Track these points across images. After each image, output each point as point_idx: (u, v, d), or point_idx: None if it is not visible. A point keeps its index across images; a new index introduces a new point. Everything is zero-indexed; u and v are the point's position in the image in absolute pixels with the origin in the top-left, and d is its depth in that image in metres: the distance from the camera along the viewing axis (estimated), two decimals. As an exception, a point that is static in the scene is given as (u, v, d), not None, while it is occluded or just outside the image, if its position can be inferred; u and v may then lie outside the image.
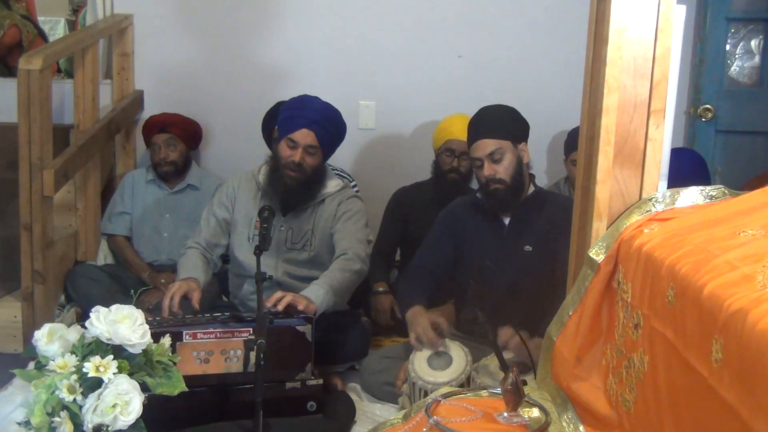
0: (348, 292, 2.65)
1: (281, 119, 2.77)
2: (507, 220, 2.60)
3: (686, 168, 2.91)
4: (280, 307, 2.35)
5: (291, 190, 2.71)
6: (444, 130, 3.35)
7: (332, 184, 2.85)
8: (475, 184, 3.43)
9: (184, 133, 3.54)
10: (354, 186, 3.58)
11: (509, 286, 2.51)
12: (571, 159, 3.24)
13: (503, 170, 2.51)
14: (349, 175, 3.61)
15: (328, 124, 2.74)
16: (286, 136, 2.72)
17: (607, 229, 1.77)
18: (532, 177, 2.66)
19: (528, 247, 2.55)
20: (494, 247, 2.56)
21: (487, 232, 2.61)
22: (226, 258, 2.97)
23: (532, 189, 2.62)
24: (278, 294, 2.39)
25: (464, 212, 2.69)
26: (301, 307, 2.37)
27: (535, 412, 1.72)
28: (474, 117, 2.61)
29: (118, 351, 1.69)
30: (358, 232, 2.75)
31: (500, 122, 2.54)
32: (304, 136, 2.69)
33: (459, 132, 3.27)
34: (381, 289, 3.24)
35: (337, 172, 3.55)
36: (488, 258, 2.41)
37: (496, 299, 2.43)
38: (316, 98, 2.81)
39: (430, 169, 3.37)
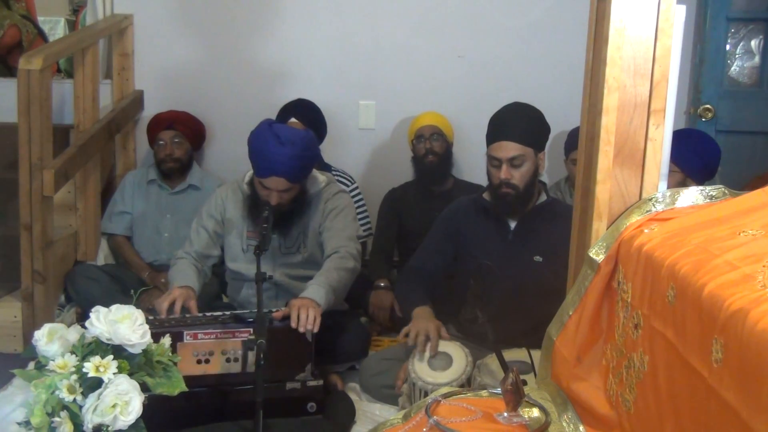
0: (344, 290, 2.64)
1: (250, 156, 2.64)
2: (513, 225, 2.58)
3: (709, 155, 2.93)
4: (300, 327, 2.35)
5: (277, 214, 2.65)
6: (412, 126, 3.51)
7: (316, 183, 2.79)
8: (457, 171, 3.47)
9: (190, 132, 3.55)
10: (356, 187, 3.58)
11: (516, 294, 2.48)
12: (572, 159, 3.25)
13: (519, 177, 2.47)
14: (350, 177, 3.61)
15: (298, 167, 2.61)
16: (257, 178, 2.64)
17: (607, 229, 1.77)
18: (543, 185, 2.63)
19: (538, 258, 2.52)
20: (498, 249, 2.54)
21: (491, 234, 2.59)
22: (218, 265, 2.94)
23: (543, 198, 2.59)
24: (290, 312, 2.38)
25: (467, 213, 2.67)
26: (311, 313, 2.35)
27: (535, 412, 1.72)
28: (501, 114, 2.55)
29: (118, 351, 1.69)
30: (346, 229, 2.72)
31: (529, 128, 2.49)
32: (275, 183, 2.59)
33: (425, 120, 3.47)
34: (382, 284, 3.25)
35: (338, 174, 3.55)
36: (491, 260, 2.39)
37: (497, 301, 2.42)
38: (280, 143, 2.56)
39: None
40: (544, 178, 3.73)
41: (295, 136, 2.63)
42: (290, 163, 2.57)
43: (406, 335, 2.43)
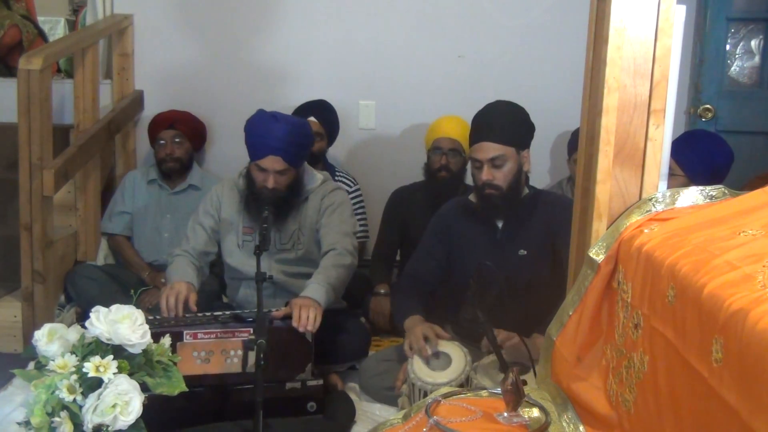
0: (343, 287, 2.64)
1: (246, 142, 2.69)
2: (500, 224, 2.57)
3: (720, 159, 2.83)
4: (300, 327, 2.37)
5: (274, 206, 2.65)
6: (432, 131, 3.37)
7: (313, 180, 2.81)
8: (469, 179, 3.45)
9: (190, 131, 3.56)
10: (357, 189, 3.58)
11: (509, 291, 2.46)
12: (574, 158, 3.24)
13: (502, 177, 2.45)
14: (353, 179, 3.61)
15: (294, 145, 2.65)
16: (254, 162, 2.67)
17: (607, 229, 1.77)
18: (526, 179, 2.62)
19: (522, 251, 2.52)
20: (488, 250, 2.52)
21: (480, 236, 2.58)
22: (212, 264, 2.95)
23: (525, 192, 2.58)
24: (291, 311, 2.40)
25: (456, 216, 2.66)
26: (312, 314, 2.37)
27: (535, 412, 1.72)
28: (481, 114, 2.53)
29: (118, 351, 1.69)
30: (343, 225, 2.73)
31: (508, 127, 2.46)
32: (271, 162, 2.62)
33: (446, 130, 3.30)
34: (383, 291, 3.25)
35: (342, 175, 3.55)
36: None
37: (494, 300, 2.42)
38: (275, 119, 2.65)
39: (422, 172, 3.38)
40: (547, 177, 3.75)
41: (289, 117, 2.74)
42: (285, 140, 2.61)
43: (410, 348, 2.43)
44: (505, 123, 2.47)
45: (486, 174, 2.45)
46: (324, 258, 2.63)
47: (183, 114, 3.60)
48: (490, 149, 2.44)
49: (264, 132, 2.62)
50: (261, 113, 2.71)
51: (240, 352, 2.34)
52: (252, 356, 2.10)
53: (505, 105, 2.54)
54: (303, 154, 2.74)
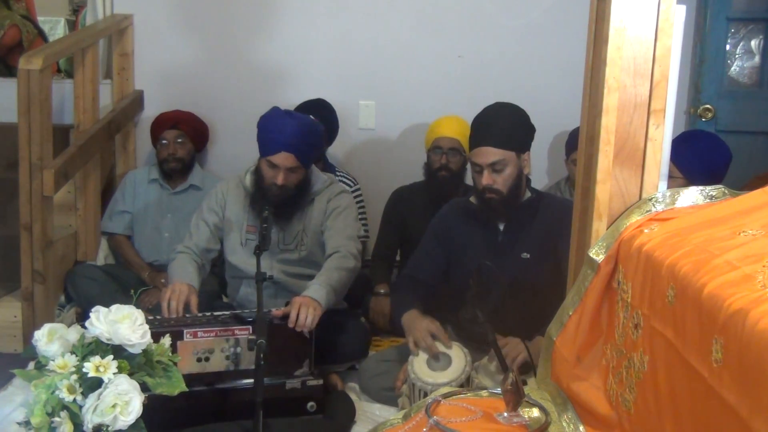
0: (344, 290, 2.65)
1: (259, 138, 2.71)
2: (502, 226, 2.56)
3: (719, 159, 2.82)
4: (296, 327, 2.38)
5: (279, 204, 2.68)
6: (432, 131, 3.38)
7: (320, 182, 2.83)
8: (469, 179, 3.44)
9: (193, 132, 3.56)
10: (357, 189, 3.59)
11: (510, 293, 2.45)
12: (572, 159, 3.24)
13: (502, 181, 2.44)
14: (353, 179, 3.61)
15: (306, 143, 2.68)
16: (266, 158, 2.69)
17: (607, 229, 1.77)
18: (527, 181, 2.63)
19: (525, 254, 2.51)
20: (489, 252, 2.51)
21: (481, 238, 2.57)
22: (214, 263, 2.95)
23: (527, 195, 2.57)
24: (290, 310, 2.40)
25: (456, 218, 2.65)
26: (311, 313, 2.38)
27: (535, 412, 1.72)
28: (481, 118, 2.51)
29: (118, 351, 1.69)
30: (347, 228, 2.74)
31: (508, 131, 2.44)
32: (283, 159, 2.64)
33: (446, 130, 3.31)
34: (382, 291, 3.25)
35: (342, 175, 3.55)
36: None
37: (495, 301, 2.42)
38: (290, 116, 2.71)
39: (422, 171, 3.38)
40: (545, 177, 3.74)
41: (303, 116, 2.80)
42: (298, 137, 2.64)
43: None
44: (504, 127, 2.45)
45: (486, 179, 2.43)
46: (328, 260, 2.64)
47: (186, 114, 3.60)
48: (489, 154, 2.42)
49: (278, 128, 2.64)
50: (275, 110, 2.74)
51: (240, 350, 2.34)
52: (251, 354, 2.10)
53: (504, 108, 2.52)
54: (313, 155, 2.77)
